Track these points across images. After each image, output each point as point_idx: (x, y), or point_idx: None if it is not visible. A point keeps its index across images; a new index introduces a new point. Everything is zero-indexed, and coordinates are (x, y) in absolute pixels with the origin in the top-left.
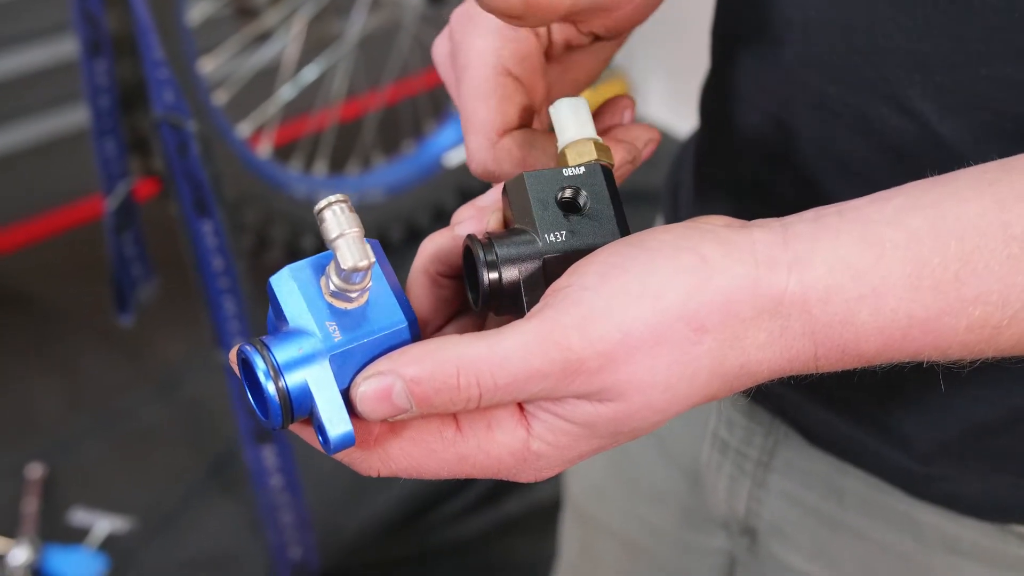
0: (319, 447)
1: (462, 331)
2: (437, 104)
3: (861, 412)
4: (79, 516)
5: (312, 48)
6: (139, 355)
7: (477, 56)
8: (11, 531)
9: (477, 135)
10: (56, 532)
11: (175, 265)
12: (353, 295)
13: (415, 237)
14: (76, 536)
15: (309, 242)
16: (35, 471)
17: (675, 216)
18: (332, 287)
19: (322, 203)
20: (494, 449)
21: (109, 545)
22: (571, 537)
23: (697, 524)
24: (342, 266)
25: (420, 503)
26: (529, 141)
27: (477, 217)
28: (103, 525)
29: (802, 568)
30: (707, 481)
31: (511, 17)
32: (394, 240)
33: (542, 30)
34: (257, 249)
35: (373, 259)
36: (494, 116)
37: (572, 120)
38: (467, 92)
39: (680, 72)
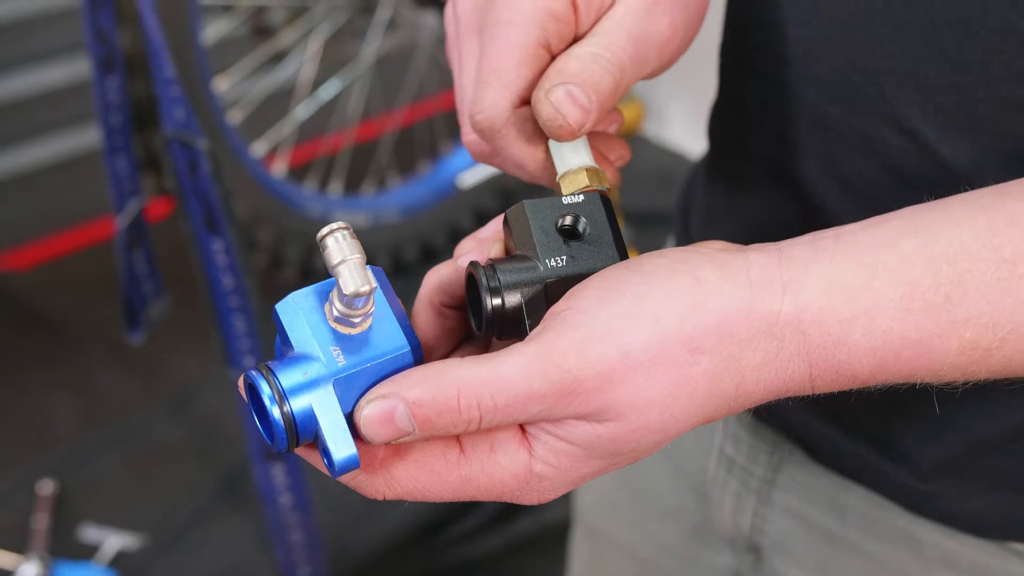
0: (325, 470)
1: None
2: (453, 125)
3: (863, 429)
4: (89, 532)
5: (328, 68)
6: (152, 372)
7: (524, 18)
8: (21, 547)
9: (497, 92)
10: (66, 548)
11: (189, 283)
12: (356, 320)
13: (430, 258)
14: (86, 552)
15: (323, 261)
16: (46, 487)
17: (686, 236)
18: (336, 313)
19: (324, 231)
20: (497, 471)
21: (119, 562)
22: (580, 552)
23: (704, 541)
24: (344, 292)
25: (431, 523)
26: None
27: (479, 249)
28: (113, 542)
29: None
30: (713, 497)
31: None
32: (410, 260)
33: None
34: (271, 268)
35: (375, 285)
36: (523, 83)
37: (571, 148)
38: (502, 47)
39: (700, 95)
